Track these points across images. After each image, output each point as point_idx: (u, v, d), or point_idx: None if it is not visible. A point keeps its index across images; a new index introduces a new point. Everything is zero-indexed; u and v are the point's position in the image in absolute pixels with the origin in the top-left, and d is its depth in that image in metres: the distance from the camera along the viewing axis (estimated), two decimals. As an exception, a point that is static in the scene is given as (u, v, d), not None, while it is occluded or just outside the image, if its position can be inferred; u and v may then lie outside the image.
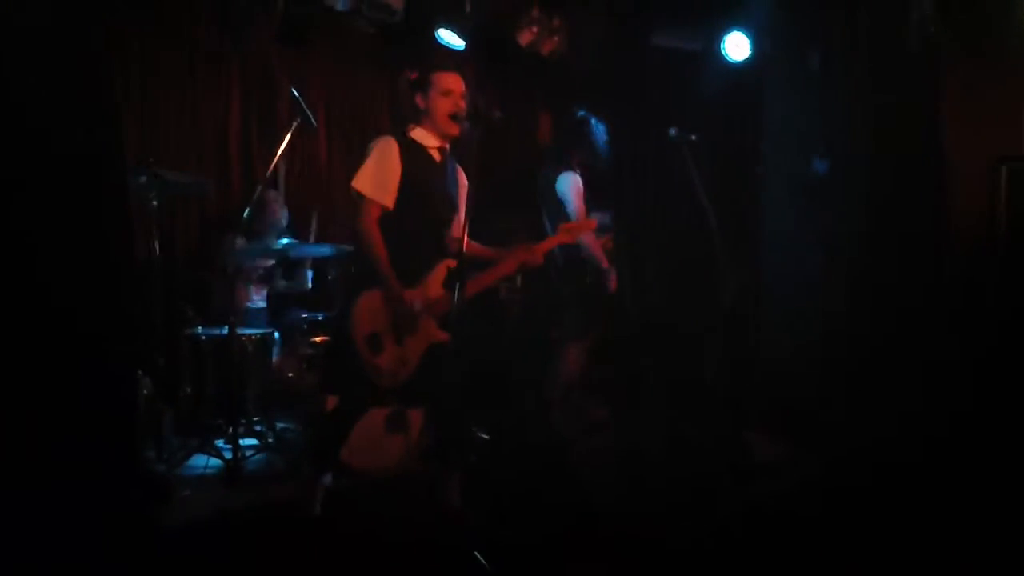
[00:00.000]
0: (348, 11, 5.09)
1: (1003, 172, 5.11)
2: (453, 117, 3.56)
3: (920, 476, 4.28)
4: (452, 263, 3.59)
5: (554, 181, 4.75)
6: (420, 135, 3.60)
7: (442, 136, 3.62)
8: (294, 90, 4.63)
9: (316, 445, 3.83)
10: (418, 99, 3.58)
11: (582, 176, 4.79)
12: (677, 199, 4.82)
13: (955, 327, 5.03)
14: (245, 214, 4.56)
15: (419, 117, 3.61)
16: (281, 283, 5.20)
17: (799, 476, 4.48)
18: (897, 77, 5.35)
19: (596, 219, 4.51)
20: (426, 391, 3.57)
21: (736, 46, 5.64)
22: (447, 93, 3.57)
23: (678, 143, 4.53)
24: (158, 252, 4.35)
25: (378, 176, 3.46)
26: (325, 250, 4.88)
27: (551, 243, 3.86)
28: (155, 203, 4.32)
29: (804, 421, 5.07)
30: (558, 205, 4.72)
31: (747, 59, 5.68)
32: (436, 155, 3.63)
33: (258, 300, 5.10)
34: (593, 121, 4.84)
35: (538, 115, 7.12)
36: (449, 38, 5.51)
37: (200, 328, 4.66)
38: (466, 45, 5.56)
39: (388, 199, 3.47)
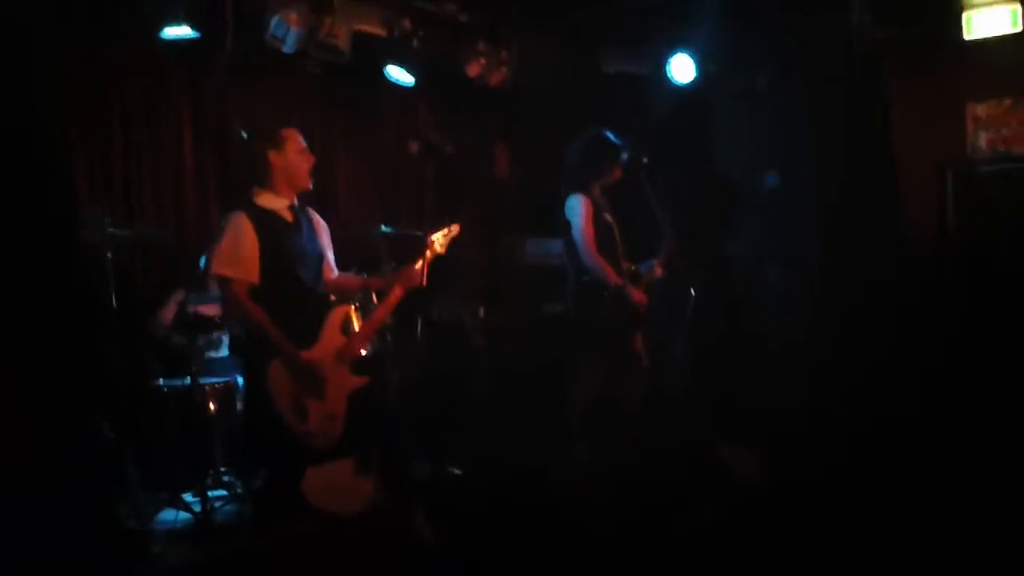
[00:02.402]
0: (296, 52, 5.08)
1: (948, 175, 5.25)
2: (310, 172, 3.58)
3: (887, 479, 4.33)
4: (347, 308, 3.58)
5: (562, 203, 4.62)
6: (268, 200, 3.58)
7: (295, 192, 3.61)
8: (244, 133, 4.61)
9: (279, 492, 3.78)
10: (272, 157, 3.57)
11: (602, 199, 4.65)
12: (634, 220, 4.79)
13: (911, 327, 5.13)
14: (202, 261, 4.51)
15: (270, 177, 3.58)
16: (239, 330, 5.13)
17: (773, 487, 4.49)
18: (842, 91, 5.48)
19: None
20: (360, 438, 3.54)
21: (682, 68, 5.73)
22: (301, 151, 3.59)
23: (632, 165, 4.58)
24: (115, 304, 4.29)
25: (236, 256, 3.45)
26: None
27: (427, 260, 3.77)
28: (109, 255, 4.26)
29: (773, 431, 5.10)
30: (566, 227, 4.59)
31: (694, 81, 5.77)
32: (288, 216, 3.62)
33: (220, 350, 5.04)
34: (609, 138, 4.64)
35: (493, 148, 7.15)
36: (398, 75, 5.52)
37: (162, 380, 4.59)
38: (415, 81, 5.57)
39: (252, 275, 3.45)
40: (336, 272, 3.48)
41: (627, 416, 4.70)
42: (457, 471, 4.67)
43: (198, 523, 4.12)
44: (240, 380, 4.83)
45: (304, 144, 3.62)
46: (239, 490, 4.47)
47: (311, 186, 3.60)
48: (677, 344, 5.43)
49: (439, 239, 3.85)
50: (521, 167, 7.13)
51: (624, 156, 4.58)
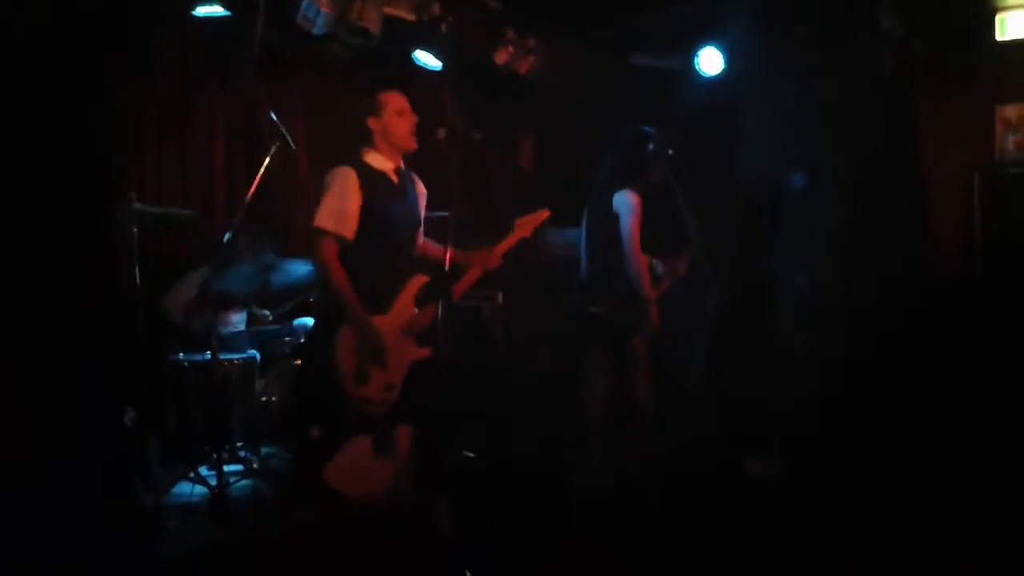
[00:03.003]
0: (325, 36, 5.09)
1: (976, 178, 5.20)
2: (412, 133, 3.58)
3: (908, 490, 4.30)
4: (424, 278, 3.60)
5: (609, 198, 4.44)
6: (375, 159, 3.60)
7: (400, 155, 3.63)
8: (273, 114, 4.64)
9: (302, 472, 3.81)
10: (371, 123, 3.59)
11: (643, 198, 4.48)
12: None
13: (939, 332, 5.08)
14: (226, 239, 4.55)
15: (373, 140, 3.60)
16: (262, 312, 5.18)
17: (792, 494, 4.48)
18: (872, 92, 5.44)
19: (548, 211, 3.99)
20: (412, 410, 3.56)
21: (710, 61, 5.70)
22: (401, 112, 3.59)
23: (657, 157, 4.55)
24: (139, 282, 4.33)
25: (339, 209, 3.46)
26: (306, 269, 4.87)
27: (509, 242, 3.78)
28: (135, 231, 4.31)
29: (796, 438, 5.08)
30: (611, 222, 4.41)
31: (722, 75, 5.75)
32: (393, 177, 3.63)
33: (238, 324, 5.08)
34: (655, 138, 4.52)
35: (519, 136, 7.15)
36: (426, 59, 5.53)
37: (182, 354, 4.63)
38: (442, 66, 5.58)
39: (349, 231, 3.46)
40: (449, 239, 3.47)
41: (640, 420, 4.64)
42: (471, 454, 4.68)
43: (213, 497, 4.16)
44: (258, 356, 4.87)
45: (404, 104, 3.60)
46: (255, 466, 4.52)
47: (415, 146, 3.60)
48: (699, 346, 5.41)
49: (526, 223, 3.85)
50: (546, 157, 7.13)
51: (649, 146, 4.53)
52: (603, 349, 4.55)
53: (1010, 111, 5.24)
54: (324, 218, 3.45)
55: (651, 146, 4.47)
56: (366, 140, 3.62)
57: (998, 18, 5.07)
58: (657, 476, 4.53)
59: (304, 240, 5.69)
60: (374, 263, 3.51)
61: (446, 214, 4.33)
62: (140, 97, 5.16)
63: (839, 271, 5.57)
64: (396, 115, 3.59)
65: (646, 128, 4.54)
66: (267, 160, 4.52)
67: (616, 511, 4.25)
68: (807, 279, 5.74)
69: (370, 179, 3.54)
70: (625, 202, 4.39)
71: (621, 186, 4.43)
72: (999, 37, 5.08)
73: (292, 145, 4.68)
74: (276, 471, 4.54)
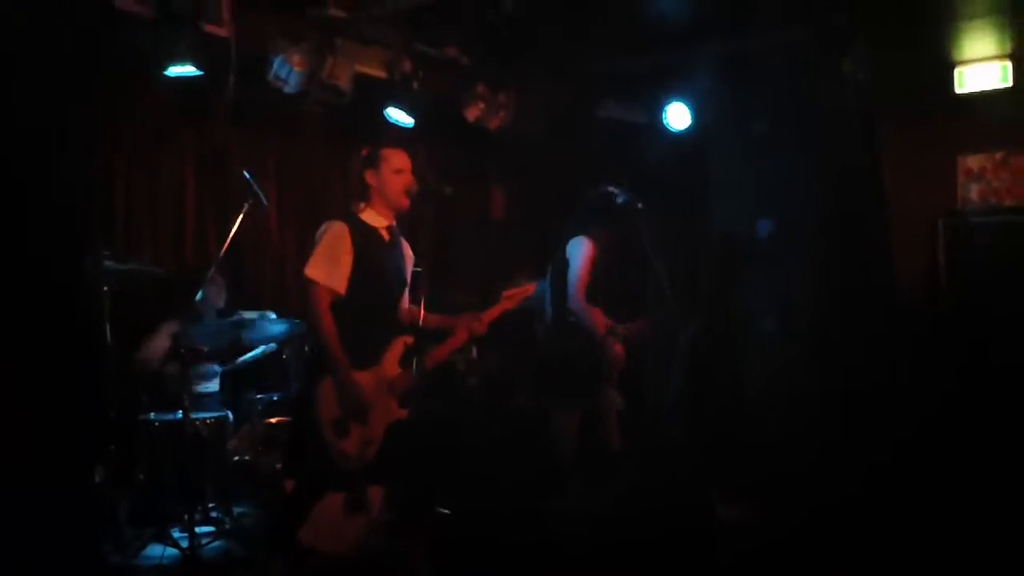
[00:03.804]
0: (298, 93, 5.15)
1: (940, 226, 5.30)
2: (406, 192, 3.61)
3: (883, 525, 4.32)
4: (408, 339, 3.62)
5: (566, 243, 4.63)
6: (370, 216, 3.63)
7: (392, 212, 3.66)
8: (246, 172, 4.67)
9: (276, 529, 3.77)
10: (368, 176, 3.62)
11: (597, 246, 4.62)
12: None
13: (904, 378, 5.15)
14: (198, 297, 4.55)
15: (368, 196, 3.63)
16: (234, 361, 5.15)
17: (765, 535, 4.49)
18: (837, 141, 5.56)
19: (533, 285, 4.23)
20: (389, 469, 3.55)
21: (678, 116, 5.81)
22: (399, 171, 3.62)
23: (627, 210, 4.62)
24: (109, 338, 4.30)
25: (330, 262, 3.48)
26: (279, 328, 4.86)
27: (495, 312, 3.85)
28: (105, 288, 4.29)
29: (768, 479, 5.09)
30: (563, 266, 4.58)
31: (690, 128, 5.86)
32: (385, 235, 3.66)
33: (210, 384, 5.05)
34: (621, 198, 4.62)
35: (490, 190, 7.22)
36: (398, 116, 5.59)
37: (153, 414, 4.58)
38: (414, 122, 5.65)
39: (340, 285, 3.48)
40: (421, 304, 3.50)
41: (613, 460, 4.67)
42: (446, 511, 4.64)
43: (185, 559, 4.09)
44: (231, 416, 4.83)
45: (405, 163, 3.63)
46: (227, 526, 4.45)
47: (408, 206, 3.63)
48: (671, 390, 5.44)
49: (514, 296, 3.90)
50: (516, 210, 7.20)
51: (619, 199, 4.61)
52: (571, 390, 4.60)
53: (972, 161, 5.35)
54: (315, 269, 3.46)
55: (618, 199, 4.58)
56: (362, 194, 3.64)
57: (956, 71, 5.21)
58: (630, 515, 4.54)
59: (275, 295, 5.76)
60: (362, 319, 3.52)
61: (418, 269, 4.41)
62: (111, 151, 5.17)
63: (808, 315, 5.64)
64: (394, 173, 3.61)
65: (609, 188, 4.65)
66: (240, 217, 4.54)
67: (591, 549, 4.23)
68: (777, 323, 5.81)
69: (363, 235, 3.56)
70: (577, 247, 4.56)
71: (576, 233, 4.59)
72: (958, 89, 5.21)
73: (264, 201, 4.70)
74: (248, 531, 4.47)
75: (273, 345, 5.08)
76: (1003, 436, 4.80)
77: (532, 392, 5.10)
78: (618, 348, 4.51)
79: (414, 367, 3.46)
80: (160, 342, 4.79)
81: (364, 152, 3.66)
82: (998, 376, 4.97)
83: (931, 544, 4.08)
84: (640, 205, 4.61)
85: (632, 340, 4.63)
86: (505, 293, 3.88)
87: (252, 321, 4.77)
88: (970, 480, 4.69)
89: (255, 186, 4.61)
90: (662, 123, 5.87)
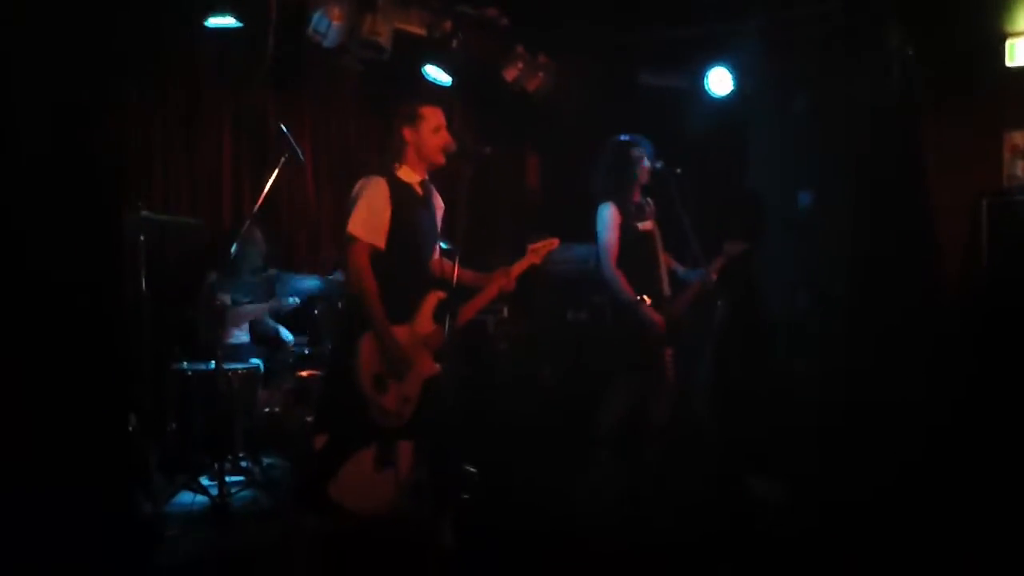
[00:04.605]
0: (336, 49, 5.12)
1: (984, 204, 5.20)
2: (443, 151, 3.60)
3: (914, 509, 4.29)
4: (441, 294, 3.62)
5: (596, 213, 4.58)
6: (405, 173, 3.63)
7: (427, 168, 3.65)
8: (283, 126, 4.66)
9: (304, 483, 3.80)
10: (407, 133, 3.61)
11: (639, 207, 4.59)
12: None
13: (943, 358, 5.08)
14: (232, 249, 4.57)
15: (404, 153, 3.63)
16: (266, 315, 5.19)
17: (799, 516, 4.46)
18: (879, 115, 5.45)
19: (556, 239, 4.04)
20: (425, 425, 3.57)
21: (720, 81, 5.72)
22: (437, 128, 3.61)
23: (664, 176, 4.57)
24: (145, 289, 4.34)
25: (371, 218, 3.48)
26: (312, 283, 4.88)
27: (522, 266, 3.83)
28: (142, 239, 4.32)
29: (803, 459, 5.06)
30: (597, 236, 4.55)
31: (731, 95, 5.76)
32: (419, 190, 3.66)
33: (242, 335, 5.08)
34: (631, 143, 4.57)
35: (526, 152, 7.18)
36: (436, 75, 5.56)
37: (186, 363, 4.63)
38: (452, 81, 5.60)
39: (380, 240, 3.49)
40: (456, 259, 3.52)
41: (653, 436, 4.64)
42: (472, 470, 4.66)
43: (214, 508, 4.15)
44: (262, 366, 4.87)
45: (442, 121, 3.63)
46: (257, 476, 4.51)
47: (444, 162, 3.64)
48: (704, 365, 5.40)
49: (539, 249, 3.90)
50: (552, 173, 7.15)
51: (657, 164, 4.55)
52: (624, 364, 4.57)
53: (1018, 137, 5.23)
54: (357, 226, 3.47)
55: (624, 156, 4.52)
56: (398, 149, 3.64)
57: (1007, 43, 5.08)
58: (663, 491, 4.53)
59: (308, 252, 5.78)
60: (399, 274, 3.53)
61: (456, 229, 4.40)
62: (150, 105, 5.18)
63: (846, 292, 5.57)
64: (433, 131, 3.61)
65: (625, 138, 4.58)
66: (275, 171, 4.55)
67: (620, 524, 4.24)
68: (811, 298, 5.74)
69: (399, 190, 3.57)
70: (602, 216, 4.50)
71: (601, 200, 4.53)
72: (1008, 63, 5.09)
73: (300, 157, 4.70)
74: (277, 482, 4.52)
75: (295, 299, 5.11)
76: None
77: (577, 356, 5.02)
78: (654, 314, 4.44)
79: (447, 322, 3.45)
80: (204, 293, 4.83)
81: (402, 109, 3.65)
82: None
83: (960, 534, 4.05)
84: (678, 171, 4.56)
85: (674, 312, 4.58)
86: (531, 246, 3.88)
87: (285, 276, 4.79)
88: (1005, 461, 4.64)
89: (292, 140, 4.61)
90: (703, 89, 5.77)
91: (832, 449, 5.07)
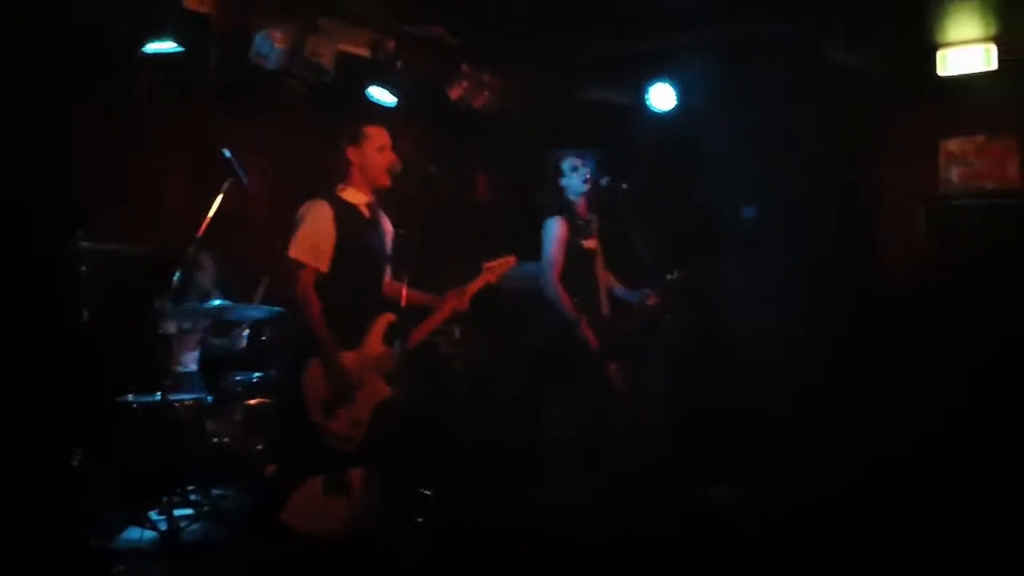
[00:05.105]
0: (279, 70, 5.08)
1: (922, 210, 5.33)
2: (388, 170, 3.59)
3: (870, 512, 4.34)
4: (391, 317, 3.59)
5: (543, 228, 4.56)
6: (350, 194, 3.61)
7: (373, 190, 3.63)
8: (226, 150, 4.61)
9: (255, 511, 3.74)
10: (351, 154, 3.59)
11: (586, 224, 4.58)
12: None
13: (886, 359, 5.17)
14: (176, 277, 4.49)
15: (349, 174, 3.61)
16: (213, 342, 5.09)
17: (757, 522, 4.49)
18: (823, 125, 5.55)
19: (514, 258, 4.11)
20: (375, 449, 3.53)
21: (662, 97, 5.77)
22: (381, 148, 3.60)
23: (611, 192, 4.58)
24: (87, 320, 4.24)
25: (313, 241, 3.46)
26: (260, 311, 4.81)
27: (477, 285, 3.83)
28: (84, 270, 4.23)
29: (758, 466, 5.10)
30: (542, 251, 4.51)
31: (677, 111, 5.82)
32: (366, 211, 3.64)
33: (190, 364, 4.99)
34: (581, 161, 4.56)
35: (475, 170, 7.17)
36: (380, 95, 5.54)
37: (131, 395, 4.52)
38: (397, 101, 5.59)
39: (323, 263, 3.46)
40: (404, 282, 3.50)
41: (606, 450, 4.62)
42: (428, 492, 4.61)
43: (164, 542, 4.05)
44: (210, 399, 4.78)
45: (387, 141, 3.64)
46: (206, 508, 4.41)
47: (389, 184, 3.60)
48: (654, 376, 5.41)
49: (495, 268, 3.87)
50: (501, 190, 7.16)
51: (603, 180, 4.56)
52: (570, 379, 4.53)
53: (953, 144, 5.37)
54: (299, 250, 3.44)
55: (590, 177, 4.52)
56: (342, 171, 3.61)
57: (940, 54, 5.21)
58: (618, 502, 4.52)
59: (250, 278, 5.69)
60: (347, 297, 3.51)
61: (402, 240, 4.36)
62: (92, 130, 5.08)
63: (791, 300, 5.65)
64: (377, 151, 3.61)
65: (569, 153, 4.58)
66: (219, 196, 4.48)
67: (579, 537, 4.22)
68: (760, 308, 5.81)
69: (344, 212, 3.55)
70: (549, 231, 4.49)
71: (550, 215, 4.52)
72: (940, 72, 5.22)
73: (245, 181, 4.64)
74: (228, 513, 4.43)
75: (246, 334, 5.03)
76: (984, 416, 4.83)
77: (527, 376, 5.03)
78: (589, 333, 4.41)
79: (397, 345, 3.44)
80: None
81: (347, 129, 3.63)
82: (976, 357, 5.01)
83: (912, 530, 4.11)
84: (624, 187, 4.58)
85: (613, 326, 4.57)
86: (486, 265, 3.89)
87: (232, 306, 4.71)
88: (951, 460, 4.73)
89: (235, 164, 4.55)
90: (647, 105, 5.82)
91: (784, 454, 5.13)
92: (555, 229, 4.48)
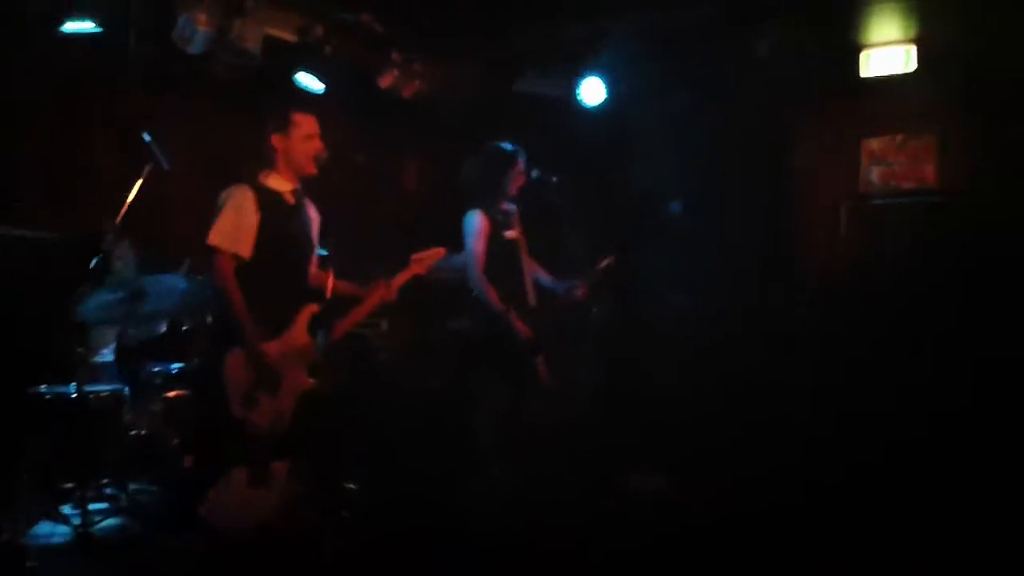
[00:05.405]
0: (203, 54, 4.95)
1: (843, 208, 5.46)
2: (315, 158, 3.53)
3: (790, 501, 4.45)
4: (316, 307, 3.54)
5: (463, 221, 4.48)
6: (275, 181, 3.54)
7: (298, 177, 3.57)
8: (145, 134, 4.48)
9: (172, 505, 3.66)
10: (276, 140, 3.52)
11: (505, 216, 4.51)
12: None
13: (804, 351, 5.30)
14: (93, 264, 4.36)
15: (274, 160, 3.54)
16: (131, 331, 4.95)
17: (678, 510, 4.56)
18: (749, 119, 5.64)
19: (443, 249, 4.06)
20: (298, 442, 3.48)
21: (592, 92, 5.79)
22: (309, 136, 3.55)
23: (541, 184, 4.58)
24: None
25: (234, 227, 3.39)
26: (179, 298, 4.68)
27: (405, 276, 3.80)
28: None
29: (678, 455, 5.17)
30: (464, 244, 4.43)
31: (606, 103, 5.85)
32: (290, 198, 3.58)
33: (106, 353, 4.84)
34: (503, 150, 4.48)
35: (403, 159, 7.11)
36: (308, 82, 5.44)
37: (44, 386, 4.37)
38: (325, 89, 5.50)
39: (245, 250, 3.39)
40: (330, 272, 3.43)
41: (533, 439, 4.64)
42: (353, 486, 4.56)
43: (77, 537, 3.94)
44: (127, 390, 4.65)
45: (315, 129, 3.57)
46: (123, 503, 4.30)
47: (315, 172, 3.53)
48: (580, 365, 5.44)
49: (423, 259, 3.82)
50: (430, 181, 7.11)
51: (533, 172, 4.55)
52: (495, 370, 4.50)
53: (874, 144, 5.51)
54: (219, 236, 3.36)
55: (495, 162, 4.46)
56: (267, 157, 3.54)
57: (863, 55, 5.33)
58: (546, 491, 4.54)
59: (171, 265, 5.55)
60: (270, 285, 3.44)
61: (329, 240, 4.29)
62: (5, 113, 4.89)
63: (715, 293, 5.74)
64: (304, 138, 3.54)
65: (498, 145, 4.52)
66: (139, 182, 4.36)
67: (507, 528, 4.23)
68: (686, 300, 5.89)
69: (267, 198, 3.48)
70: (470, 224, 4.41)
71: (469, 207, 4.44)
72: (863, 73, 5.34)
73: (165, 165, 4.52)
74: (145, 508, 4.32)
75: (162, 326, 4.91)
76: (904, 408, 4.97)
77: (455, 368, 4.99)
78: (520, 324, 4.37)
79: (321, 336, 3.39)
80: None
81: (274, 116, 3.56)
82: (890, 351, 5.16)
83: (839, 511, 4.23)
84: (554, 179, 4.58)
85: (540, 322, 4.56)
86: (415, 256, 3.86)
87: (148, 293, 4.58)
88: (865, 449, 4.87)
89: (155, 149, 4.43)
90: (576, 98, 5.84)
91: (707, 443, 5.22)
92: (475, 222, 4.40)
